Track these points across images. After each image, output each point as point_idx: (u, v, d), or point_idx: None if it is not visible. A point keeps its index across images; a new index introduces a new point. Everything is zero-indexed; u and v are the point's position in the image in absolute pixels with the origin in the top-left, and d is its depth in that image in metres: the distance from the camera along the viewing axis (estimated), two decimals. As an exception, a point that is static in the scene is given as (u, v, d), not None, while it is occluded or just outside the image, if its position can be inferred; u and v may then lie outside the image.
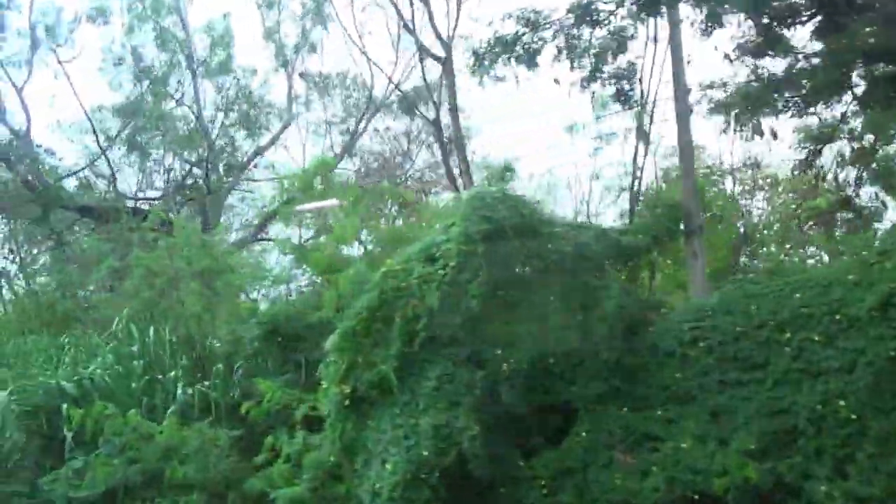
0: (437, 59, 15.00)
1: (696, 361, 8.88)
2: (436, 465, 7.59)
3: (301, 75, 23.99)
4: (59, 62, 21.39)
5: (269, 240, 22.19)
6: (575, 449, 8.61)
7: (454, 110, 11.72)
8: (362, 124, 24.04)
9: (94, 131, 21.51)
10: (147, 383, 11.23)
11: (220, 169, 22.99)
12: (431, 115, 17.86)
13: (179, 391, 10.87)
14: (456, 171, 16.00)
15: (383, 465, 7.67)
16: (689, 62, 12.92)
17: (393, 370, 8.04)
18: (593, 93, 13.08)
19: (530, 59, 11.99)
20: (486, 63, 12.24)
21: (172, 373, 11.37)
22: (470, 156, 15.98)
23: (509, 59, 12.09)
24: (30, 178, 21.31)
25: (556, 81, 12.61)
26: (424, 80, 16.98)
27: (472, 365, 8.48)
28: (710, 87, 14.57)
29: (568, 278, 9.24)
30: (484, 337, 8.70)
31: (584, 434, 8.71)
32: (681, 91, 11.87)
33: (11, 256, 24.83)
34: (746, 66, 14.61)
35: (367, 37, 23.70)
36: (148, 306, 15.27)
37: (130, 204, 21.78)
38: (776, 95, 14.70)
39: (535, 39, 11.95)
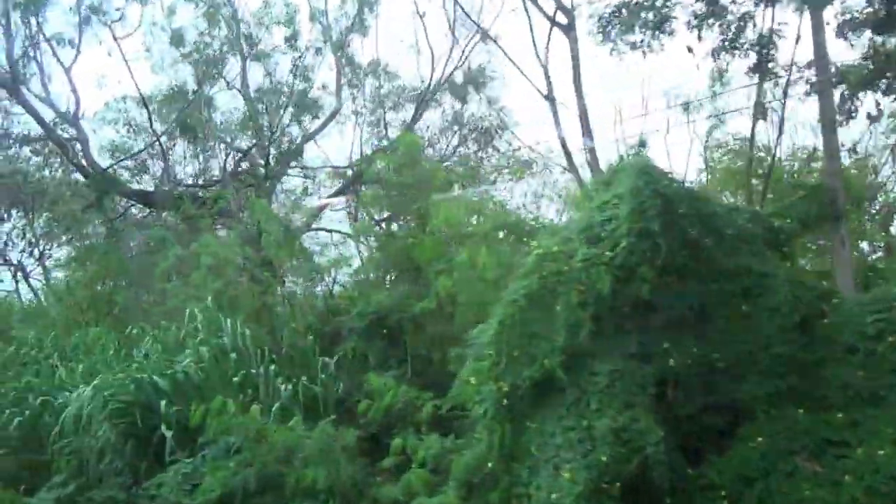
0: (561, 27, 13.90)
1: (883, 358, 7.89)
2: (617, 472, 6.64)
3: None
4: (115, 38, 20.40)
5: (325, 229, 21.16)
6: (752, 455, 7.62)
7: (577, 81, 10.66)
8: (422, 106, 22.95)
9: (149, 114, 20.58)
10: (244, 378, 10.33)
11: (272, 156, 22.02)
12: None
13: (281, 387, 9.94)
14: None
15: (556, 472, 6.71)
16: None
17: (559, 365, 7.08)
18: (726, 63, 11.97)
19: (658, 26, 10.96)
20: (616, 29, 11.20)
21: (264, 367, 10.46)
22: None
23: (636, 26, 11.06)
24: (83, 162, 20.43)
25: (690, 50, 11.54)
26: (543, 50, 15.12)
27: (638, 360, 7.51)
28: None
29: (731, 263, 8.24)
30: (650, 328, 7.71)
31: (760, 438, 7.72)
32: (822, 62, 10.81)
33: (29, 250, 24.46)
34: (851, 42, 13.58)
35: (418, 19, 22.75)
36: (217, 297, 14.45)
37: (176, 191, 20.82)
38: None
39: (667, 4, 10.92)
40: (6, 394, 12.59)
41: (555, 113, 11.46)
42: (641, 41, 11.50)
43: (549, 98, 11.65)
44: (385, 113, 23.53)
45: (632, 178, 7.56)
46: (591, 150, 11.61)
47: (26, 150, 25.31)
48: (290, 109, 21.74)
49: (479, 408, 7.43)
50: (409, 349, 10.85)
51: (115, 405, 9.53)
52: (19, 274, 22.84)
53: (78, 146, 20.60)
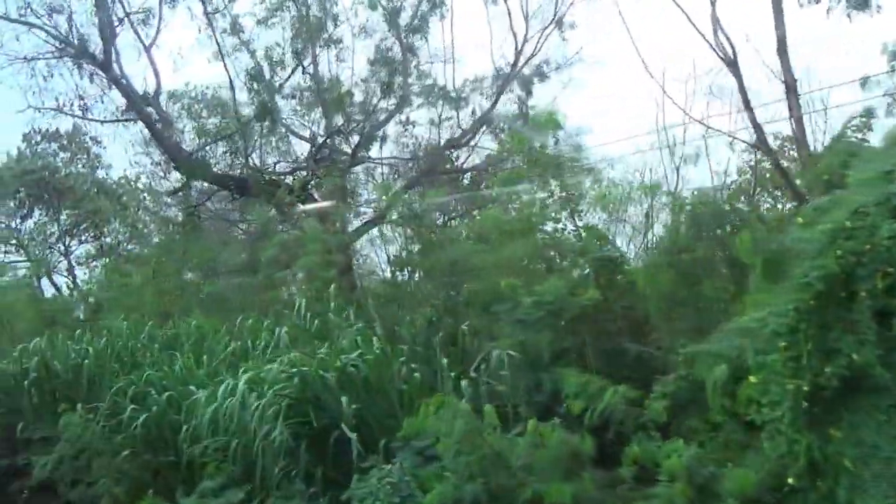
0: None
1: None
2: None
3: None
4: (207, 13, 19.26)
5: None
6: None
7: (783, 47, 9.39)
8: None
9: (234, 95, 19.54)
10: (409, 371, 9.22)
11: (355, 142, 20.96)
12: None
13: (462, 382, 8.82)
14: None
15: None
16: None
17: (875, 359, 5.91)
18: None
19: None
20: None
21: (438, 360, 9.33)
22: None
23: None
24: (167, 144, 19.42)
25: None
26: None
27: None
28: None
29: None
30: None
31: None
32: None
33: (55, 246, 23.85)
34: None
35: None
36: (326, 285, 13.44)
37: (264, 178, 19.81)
38: None
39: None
40: (123, 389, 11.57)
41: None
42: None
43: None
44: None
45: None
46: (799, 122, 10.32)
47: (53, 146, 25.09)
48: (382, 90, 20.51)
49: (766, 412, 6.26)
50: (587, 343, 9.71)
51: (286, 401, 8.42)
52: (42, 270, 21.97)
53: (160, 127, 19.56)
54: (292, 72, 20.26)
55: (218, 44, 19.25)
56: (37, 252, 24.48)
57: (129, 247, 24.26)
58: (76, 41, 18.92)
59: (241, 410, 9.04)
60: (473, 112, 21.83)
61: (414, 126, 21.66)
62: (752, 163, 10.41)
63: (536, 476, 6.91)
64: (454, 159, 22.65)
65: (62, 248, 24.37)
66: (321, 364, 9.01)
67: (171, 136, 19.51)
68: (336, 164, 20.11)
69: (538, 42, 21.20)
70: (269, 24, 20.17)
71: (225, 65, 19.21)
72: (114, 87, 19.14)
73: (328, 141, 20.65)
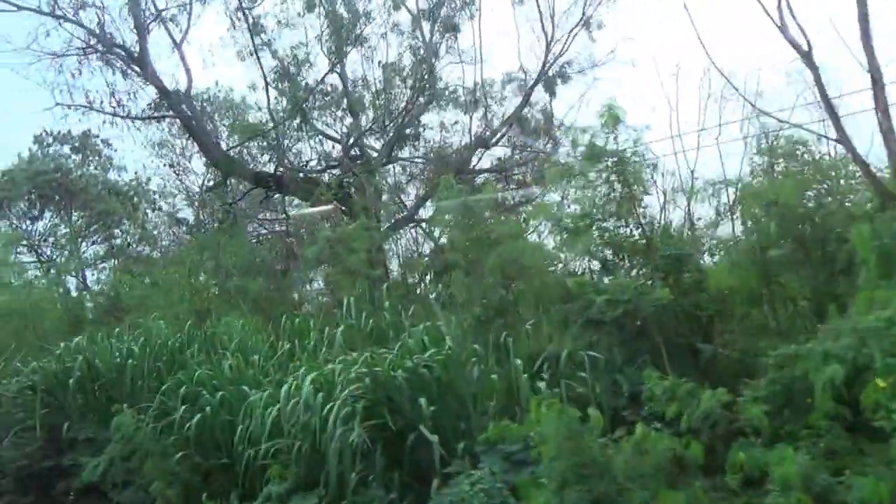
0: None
1: None
2: None
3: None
4: (242, 8, 18.97)
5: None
6: None
7: (866, 35, 8.95)
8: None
9: (267, 93, 19.25)
10: (484, 374, 8.84)
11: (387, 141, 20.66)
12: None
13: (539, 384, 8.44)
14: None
15: None
16: None
17: None
18: None
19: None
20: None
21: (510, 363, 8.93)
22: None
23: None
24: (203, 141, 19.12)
25: None
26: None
27: None
28: None
29: None
30: None
31: None
32: None
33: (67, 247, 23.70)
34: None
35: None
36: (375, 283, 13.14)
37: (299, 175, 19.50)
38: None
39: None
40: (172, 389, 11.23)
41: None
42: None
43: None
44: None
45: None
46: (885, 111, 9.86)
47: (65, 148, 25.11)
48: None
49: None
50: (661, 343, 9.32)
51: (362, 403, 8.05)
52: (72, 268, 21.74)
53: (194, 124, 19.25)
54: (329, 71, 19.97)
55: (252, 38, 18.96)
56: (48, 253, 24.50)
57: (139, 248, 24.24)
58: (109, 36, 18.63)
59: (305, 412, 8.70)
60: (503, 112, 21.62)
61: (445, 126, 21.49)
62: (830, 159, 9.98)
63: (639, 483, 6.51)
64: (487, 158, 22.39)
65: (73, 249, 24.21)
66: (392, 364, 8.64)
67: (211, 134, 19.20)
68: (369, 163, 19.83)
69: (565, 42, 21.05)
70: (292, 25, 20.01)
71: (259, 61, 18.95)
72: (148, 83, 18.84)
73: (358, 140, 20.37)
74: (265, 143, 19.50)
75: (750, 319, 10.16)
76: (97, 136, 24.57)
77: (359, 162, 19.79)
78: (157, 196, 24.68)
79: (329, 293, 14.59)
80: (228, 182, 19.49)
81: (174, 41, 19.57)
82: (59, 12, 18.55)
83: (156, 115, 19.99)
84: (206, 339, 13.23)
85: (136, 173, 25.12)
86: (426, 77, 20.12)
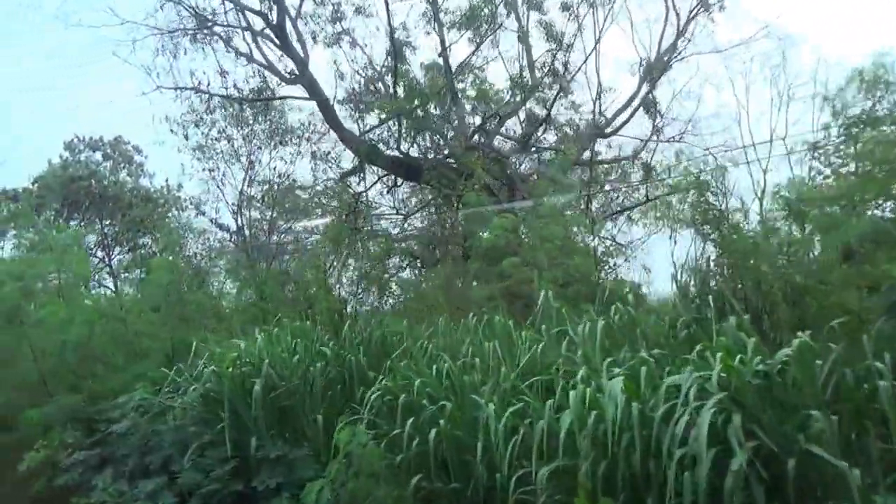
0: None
1: None
2: None
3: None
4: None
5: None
6: None
7: None
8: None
9: (395, 77, 17.56)
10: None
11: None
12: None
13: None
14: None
15: None
16: None
17: None
18: None
19: None
20: None
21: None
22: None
23: None
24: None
25: None
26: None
27: None
28: None
29: None
30: None
31: None
32: None
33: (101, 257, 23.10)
34: None
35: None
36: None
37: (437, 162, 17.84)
38: None
39: None
40: (386, 399, 9.56)
41: None
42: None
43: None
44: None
45: None
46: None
47: (97, 155, 24.97)
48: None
49: None
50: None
51: (730, 414, 6.31)
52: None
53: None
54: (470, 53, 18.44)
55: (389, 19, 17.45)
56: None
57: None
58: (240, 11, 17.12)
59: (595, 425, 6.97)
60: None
61: (580, 111, 20.06)
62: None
63: None
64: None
65: (103, 255, 23.68)
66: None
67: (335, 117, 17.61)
68: (500, 151, 18.23)
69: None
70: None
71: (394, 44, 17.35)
72: (281, 57, 17.25)
73: (488, 126, 18.74)
74: (396, 128, 17.79)
75: None
76: (128, 143, 24.51)
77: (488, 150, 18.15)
78: (188, 202, 23.77)
79: (505, 291, 12.77)
80: (365, 168, 17.85)
81: (289, 16, 17.92)
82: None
83: (276, 97, 18.41)
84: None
85: (166, 180, 24.71)
86: (565, 67, 18.64)
